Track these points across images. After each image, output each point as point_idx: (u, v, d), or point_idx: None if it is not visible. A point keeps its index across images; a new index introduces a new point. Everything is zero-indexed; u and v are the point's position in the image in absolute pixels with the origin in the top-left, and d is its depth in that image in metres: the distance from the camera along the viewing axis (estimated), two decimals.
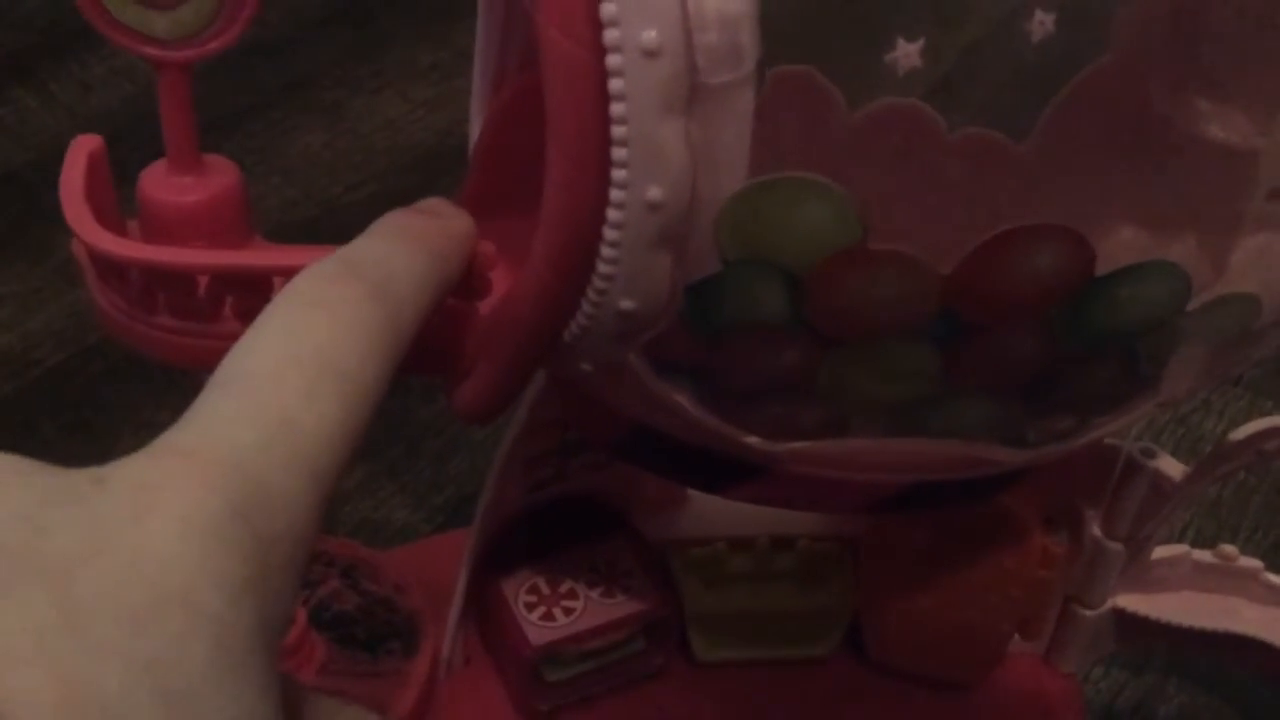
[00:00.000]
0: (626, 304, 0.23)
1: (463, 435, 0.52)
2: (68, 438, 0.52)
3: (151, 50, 0.25)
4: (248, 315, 0.25)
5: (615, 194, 0.21)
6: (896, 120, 0.34)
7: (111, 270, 0.25)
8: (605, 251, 0.22)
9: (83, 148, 0.27)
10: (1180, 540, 0.43)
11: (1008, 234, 0.21)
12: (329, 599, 0.39)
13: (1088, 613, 0.40)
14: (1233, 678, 0.43)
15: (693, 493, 0.42)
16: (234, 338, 0.26)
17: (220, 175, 0.28)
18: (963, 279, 0.22)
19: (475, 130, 0.32)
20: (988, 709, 0.41)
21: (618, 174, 0.21)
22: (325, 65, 0.70)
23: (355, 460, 0.20)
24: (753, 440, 0.27)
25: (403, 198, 0.25)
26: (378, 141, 0.66)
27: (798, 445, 0.27)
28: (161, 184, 0.27)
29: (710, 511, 0.41)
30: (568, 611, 0.38)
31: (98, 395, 0.53)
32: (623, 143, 0.21)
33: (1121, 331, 0.24)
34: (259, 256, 0.25)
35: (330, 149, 0.65)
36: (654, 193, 0.21)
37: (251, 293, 0.25)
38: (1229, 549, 0.40)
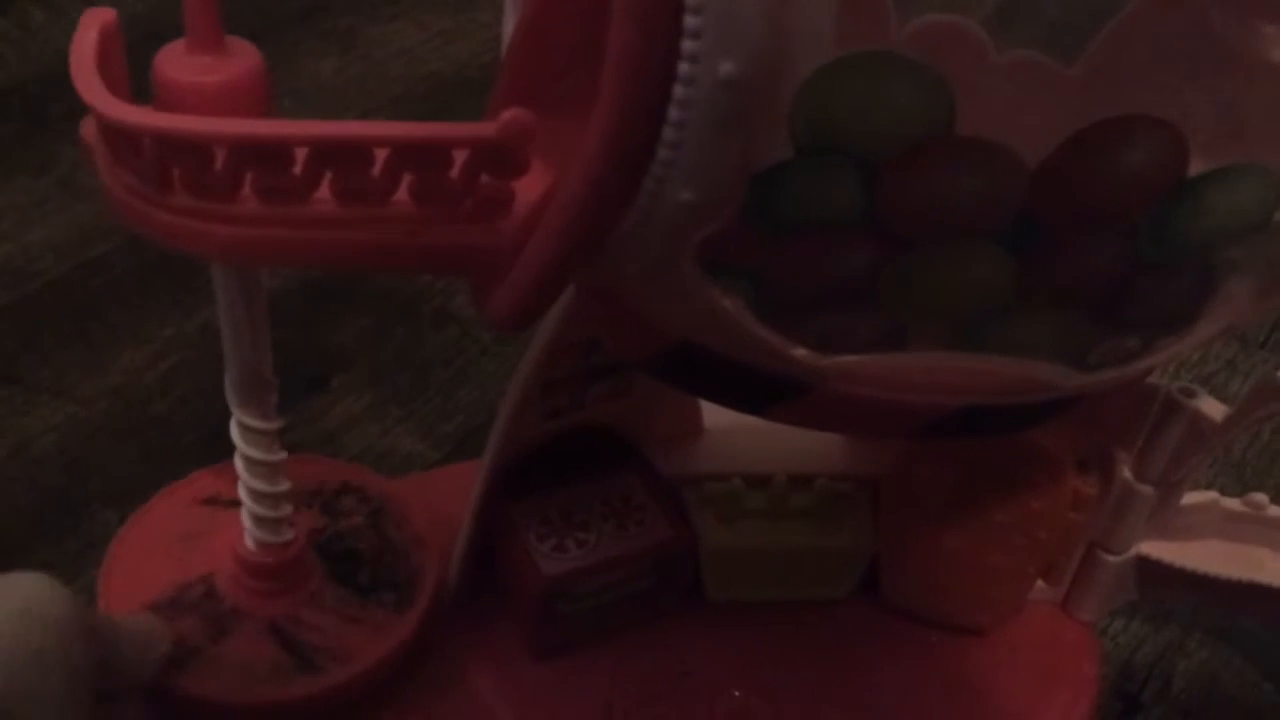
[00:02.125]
0: (686, 195, 0.21)
1: (473, 366, 0.51)
2: (67, 350, 0.50)
3: None
4: (268, 193, 0.24)
5: (684, 68, 0.19)
6: (944, 38, 0.32)
7: (125, 145, 0.24)
8: (668, 134, 0.20)
9: (95, 18, 0.25)
10: None
11: (1102, 125, 0.20)
12: (347, 533, 0.38)
13: (1111, 558, 0.39)
14: (1256, 635, 0.42)
15: (710, 428, 0.41)
16: (252, 220, 0.24)
17: (242, 57, 0.26)
18: (1050, 174, 0.21)
19: (509, 28, 0.31)
20: (1003, 656, 0.40)
21: (688, 45, 0.19)
22: None
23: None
24: (801, 354, 0.25)
25: None
26: (392, 69, 0.64)
27: (848, 360, 0.25)
28: (180, 64, 0.26)
29: (727, 447, 0.40)
30: (580, 543, 0.37)
31: (99, 309, 0.52)
32: (696, 9, 0.19)
33: (1207, 238, 0.22)
34: (281, 127, 0.23)
35: (343, 75, 0.63)
36: (728, 67, 0.19)
37: (272, 167, 0.23)
38: (1259, 497, 0.39)
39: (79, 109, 0.25)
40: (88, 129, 0.26)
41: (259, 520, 0.34)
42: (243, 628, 0.35)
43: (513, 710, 0.36)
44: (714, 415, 0.40)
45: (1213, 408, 0.35)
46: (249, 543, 0.35)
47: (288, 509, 0.34)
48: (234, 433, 0.33)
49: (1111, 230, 0.22)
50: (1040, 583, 0.40)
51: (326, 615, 0.36)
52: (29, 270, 0.53)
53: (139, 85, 0.27)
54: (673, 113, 0.20)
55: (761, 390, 0.28)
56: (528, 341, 0.34)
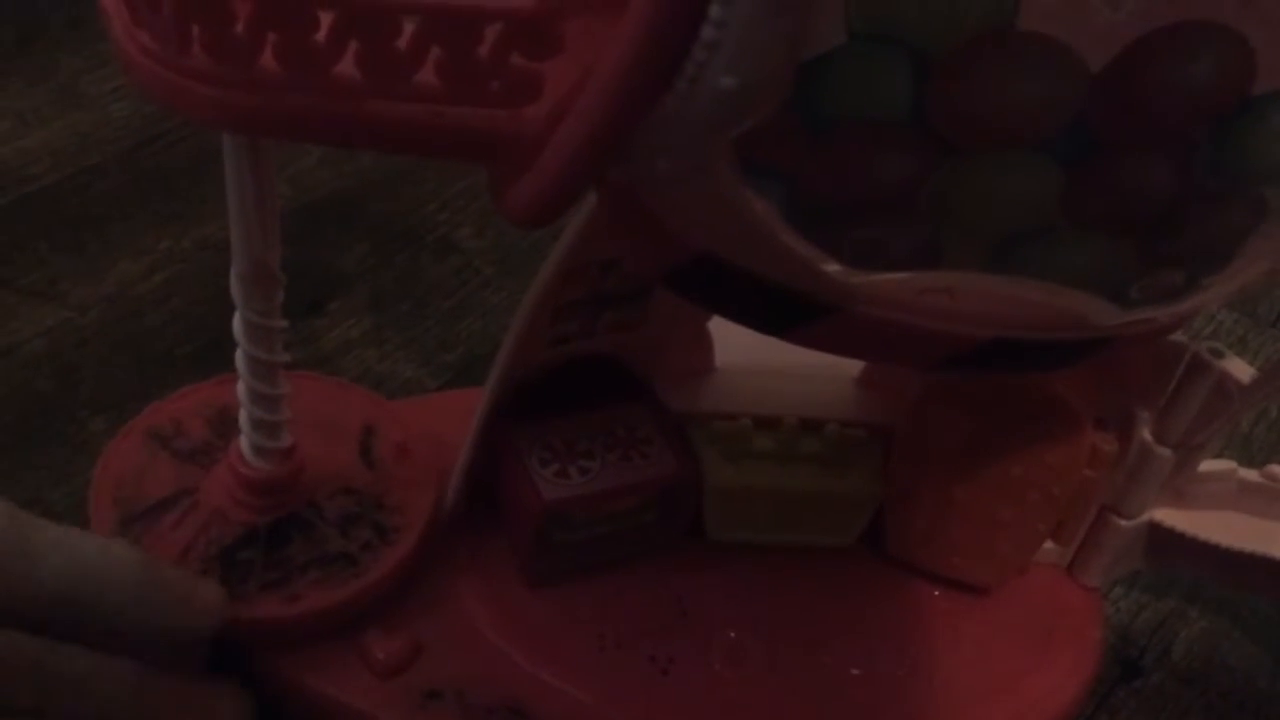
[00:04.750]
0: (729, 81, 0.20)
1: (475, 297, 0.49)
2: (61, 257, 0.49)
3: None
4: (289, 56, 0.23)
5: None
6: None
7: (143, 2, 0.22)
8: (714, 11, 0.19)
9: None
10: None
11: (1168, 30, 0.19)
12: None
13: (1123, 523, 0.38)
14: (1256, 608, 0.42)
15: (721, 366, 0.40)
16: (274, 85, 0.23)
17: None
18: (1110, 80, 0.20)
19: None
20: (1006, 615, 0.39)
21: None
22: None
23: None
24: (832, 269, 0.24)
25: None
26: None
27: (879, 279, 0.24)
28: None
29: (739, 387, 0.39)
30: (583, 471, 0.36)
31: (95, 219, 0.51)
32: None
33: (1267, 165, 0.22)
34: None
35: None
36: None
37: (296, 27, 0.22)
38: (1277, 469, 0.38)
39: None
40: None
41: (258, 424, 0.33)
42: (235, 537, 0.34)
43: (504, 637, 0.35)
44: (726, 354, 0.40)
45: (1241, 369, 0.34)
46: (246, 451, 0.34)
47: (287, 413, 0.33)
48: (237, 330, 0.32)
49: (1167, 148, 0.21)
50: (1049, 543, 0.39)
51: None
52: (24, 174, 0.52)
53: None
54: None
55: (784, 310, 0.27)
56: (532, 276, 0.33)
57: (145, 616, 0.30)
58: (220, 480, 0.35)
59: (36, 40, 0.58)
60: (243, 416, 0.33)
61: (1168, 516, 0.38)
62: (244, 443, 0.34)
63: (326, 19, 0.22)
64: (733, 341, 0.38)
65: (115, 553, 0.30)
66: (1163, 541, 0.39)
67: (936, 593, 0.39)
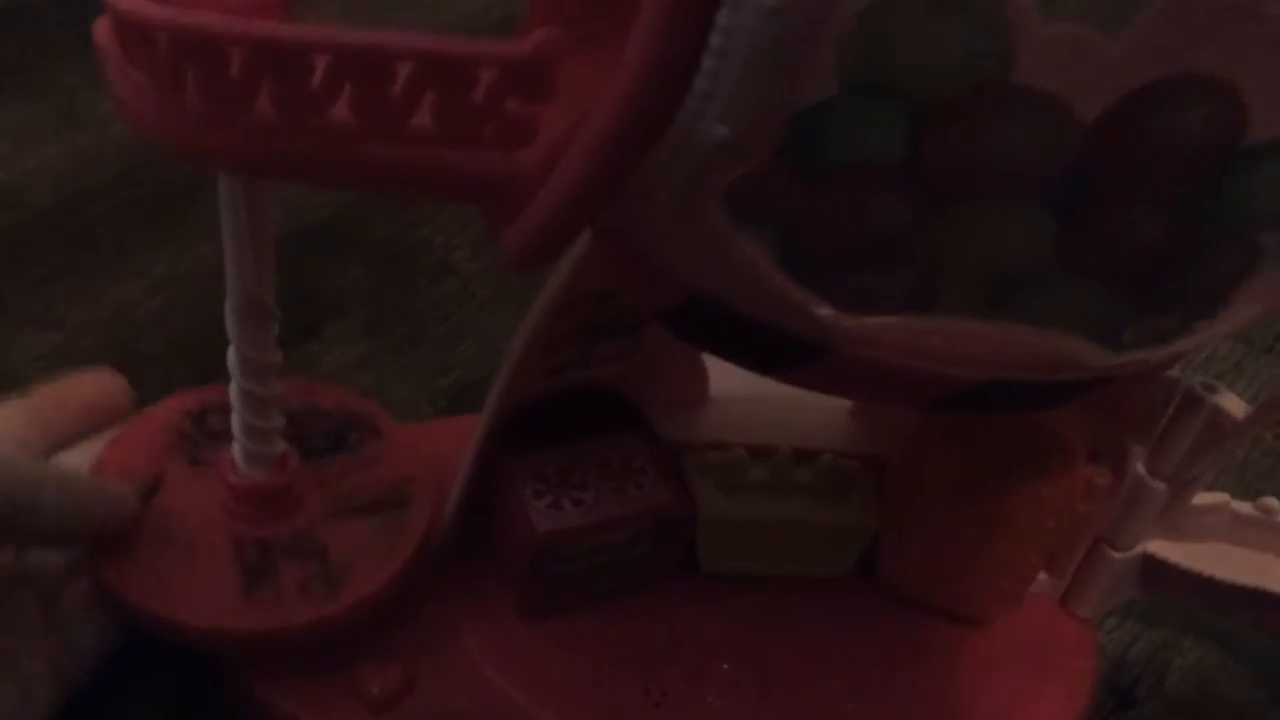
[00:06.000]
0: (721, 130, 0.20)
1: (470, 322, 0.49)
2: (57, 280, 0.49)
3: None
4: (284, 100, 0.23)
5: None
6: None
7: (139, 43, 0.22)
8: (707, 63, 0.19)
9: None
10: None
11: (1160, 83, 0.19)
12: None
13: (1116, 555, 0.38)
14: (1250, 639, 0.42)
15: (714, 395, 0.40)
16: (265, 130, 0.23)
17: None
18: (1103, 131, 0.20)
19: None
20: (999, 646, 0.39)
21: None
22: None
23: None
24: (825, 313, 0.24)
25: None
26: (401, 19, 0.63)
27: (873, 322, 0.24)
28: None
29: (733, 417, 0.39)
30: (577, 503, 0.36)
31: (92, 241, 0.51)
32: None
33: (1259, 213, 0.22)
34: (303, 31, 0.22)
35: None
36: None
37: (290, 75, 0.22)
38: (1271, 502, 0.38)
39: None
40: (101, 30, 0.25)
41: (249, 455, 0.33)
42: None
43: (497, 669, 0.35)
44: (720, 384, 0.40)
45: (1234, 404, 0.34)
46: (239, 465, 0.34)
47: (280, 445, 0.33)
48: (231, 363, 0.32)
49: (1159, 197, 0.21)
50: (1042, 575, 0.39)
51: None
52: (22, 197, 0.52)
53: None
54: (714, 40, 0.19)
55: (778, 351, 0.27)
56: (528, 300, 0.33)
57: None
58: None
59: (36, 59, 0.58)
60: (236, 450, 0.33)
61: (1161, 548, 0.38)
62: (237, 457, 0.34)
63: (321, 63, 0.22)
64: (727, 371, 0.38)
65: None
66: (1156, 573, 0.39)
67: (930, 624, 0.39)
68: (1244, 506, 0.38)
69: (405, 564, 0.35)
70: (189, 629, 0.32)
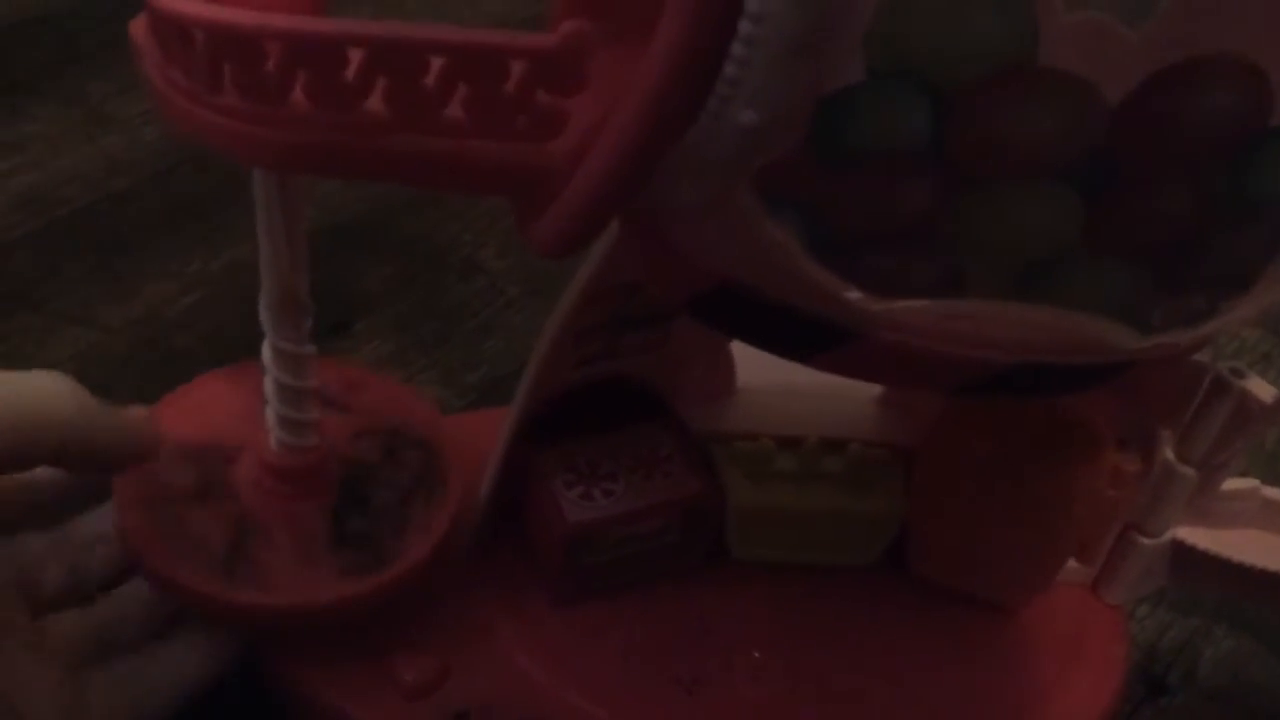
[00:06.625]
0: (749, 116, 0.21)
1: (499, 318, 0.50)
2: (90, 280, 0.50)
3: None
4: (319, 93, 0.23)
5: None
6: None
7: (176, 39, 0.23)
8: (736, 50, 0.20)
9: None
10: None
11: (1187, 63, 0.19)
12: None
13: (1146, 541, 0.38)
14: None
15: (743, 387, 0.40)
16: (304, 122, 0.23)
17: None
18: (1130, 112, 0.20)
19: None
20: (1029, 633, 0.39)
21: None
22: None
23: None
24: (853, 296, 0.25)
25: None
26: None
27: (900, 305, 0.25)
28: None
29: (760, 407, 0.40)
30: (607, 493, 0.36)
31: (124, 242, 0.51)
32: None
33: None
34: (339, 26, 0.22)
35: None
36: None
37: (326, 64, 0.22)
38: None
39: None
40: (138, 27, 0.25)
41: (285, 445, 0.33)
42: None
43: (530, 658, 0.36)
44: (747, 375, 0.40)
45: (1263, 389, 0.34)
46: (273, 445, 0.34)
47: (314, 438, 0.34)
48: (265, 358, 0.32)
49: (1186, 177, 0.21)
50: (1072, 562, 0.39)
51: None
52: (54, 199, 0.53)
53: None
54: (743, 27, 0.19)
55: (806, 336, 0.27)
56: (555, 297, 0.33)
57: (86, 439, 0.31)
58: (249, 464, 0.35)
59: (67, 64, 0.59)
60: (271, 438, 0.34)
61: (1191, 535, 0.38)
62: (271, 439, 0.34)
63: (356, 57, 0.23)
64: (754, 361, 0.38)
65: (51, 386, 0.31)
66: (1186, 560, 0.38)
67: (959, 612, 0.39)
68: (1274, 492, 0.38)
69: (441, 538, 0.35)
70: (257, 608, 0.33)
